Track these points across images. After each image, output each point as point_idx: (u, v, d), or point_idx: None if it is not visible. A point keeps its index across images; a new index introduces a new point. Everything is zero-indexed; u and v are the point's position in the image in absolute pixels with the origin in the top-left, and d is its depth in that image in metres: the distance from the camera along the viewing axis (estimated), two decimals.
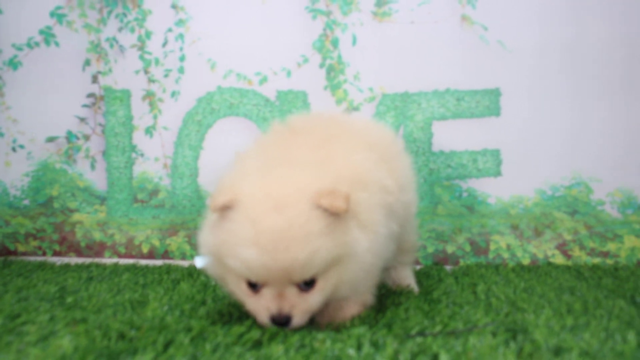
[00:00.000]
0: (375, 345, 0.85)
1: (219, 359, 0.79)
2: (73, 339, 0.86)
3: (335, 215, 0.92)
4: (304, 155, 1.03)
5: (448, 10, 1.73)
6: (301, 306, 0.92)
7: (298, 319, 0.92)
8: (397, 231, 1.09)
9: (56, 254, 1.86)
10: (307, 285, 0.93)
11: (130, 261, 1.78)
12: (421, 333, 0.91)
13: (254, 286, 0.93)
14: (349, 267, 0.95)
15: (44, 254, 1.86)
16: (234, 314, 1.04)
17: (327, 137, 1.10)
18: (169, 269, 1.61)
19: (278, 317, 0.91)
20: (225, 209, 0.93)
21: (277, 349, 0.82)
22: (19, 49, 1.85)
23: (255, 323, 0.95)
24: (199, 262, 1.25)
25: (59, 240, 1.85)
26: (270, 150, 1.10)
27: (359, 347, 0.84)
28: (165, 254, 1.81)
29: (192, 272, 1.55)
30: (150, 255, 1.82)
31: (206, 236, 1.00)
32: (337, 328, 0.94)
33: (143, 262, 1.78)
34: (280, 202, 0.90)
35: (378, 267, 1.04)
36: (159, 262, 1.76)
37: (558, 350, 0.82)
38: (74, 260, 1.81)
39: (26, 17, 1.85)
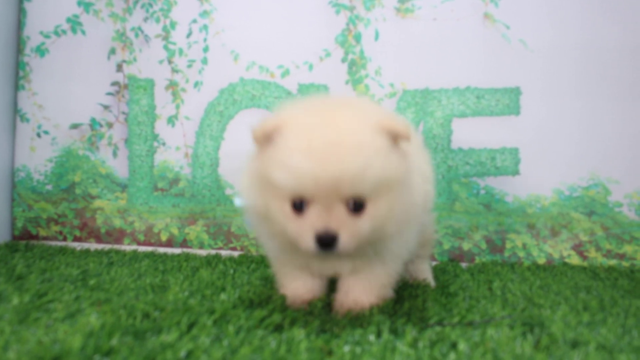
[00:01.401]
0: (394, 332, 0.87)
1: (241, 341, 0.80)
2: (99, 316, 0.88)
3: (394, 143, 0.89)
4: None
5: (470, 8, 1.74)
6: (349, 228, 0.86)
7: (345, 239, 0.85)
8: (423, 223, 1.09)
9: (76, 239, 1.88)
10: (357, 207, 0.87)
11: (149, 249, 1.80)
12: (439, 323, 0.93)
13: (299, 208, 0.87)
14: (400, 199, 0.90)
15: (65, 239, 1.88)
16: (255, 300, 1.05)
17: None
18: (187, 257, 1.63)
19: (324, 235, 0.84)
20: (272, 135, 0.88)
21: (299, 333, 0.84)
22: (47, 36, 1.87)
23: (276, 308, 0.96)
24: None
25: (80, 226, 1.88)
26: (312, 101, 1.03)
27: (378, 334, 0.86)
28: (184, 243, 1.83)
29: (211, 261, 1.57)
30: (169, 243, 1.84)
31: (248, 167, 0.95)
32: (357, 316, 0.95)
33: (161, 249, 1.80)
34: (335, 122, 0.87)
35: (404, 256, 1.05)
36: (177, 251, 1.78)
37: (575, 343, 0.83)
38: (93, 246, 1.83)
39: (54, 5, 1.87)
